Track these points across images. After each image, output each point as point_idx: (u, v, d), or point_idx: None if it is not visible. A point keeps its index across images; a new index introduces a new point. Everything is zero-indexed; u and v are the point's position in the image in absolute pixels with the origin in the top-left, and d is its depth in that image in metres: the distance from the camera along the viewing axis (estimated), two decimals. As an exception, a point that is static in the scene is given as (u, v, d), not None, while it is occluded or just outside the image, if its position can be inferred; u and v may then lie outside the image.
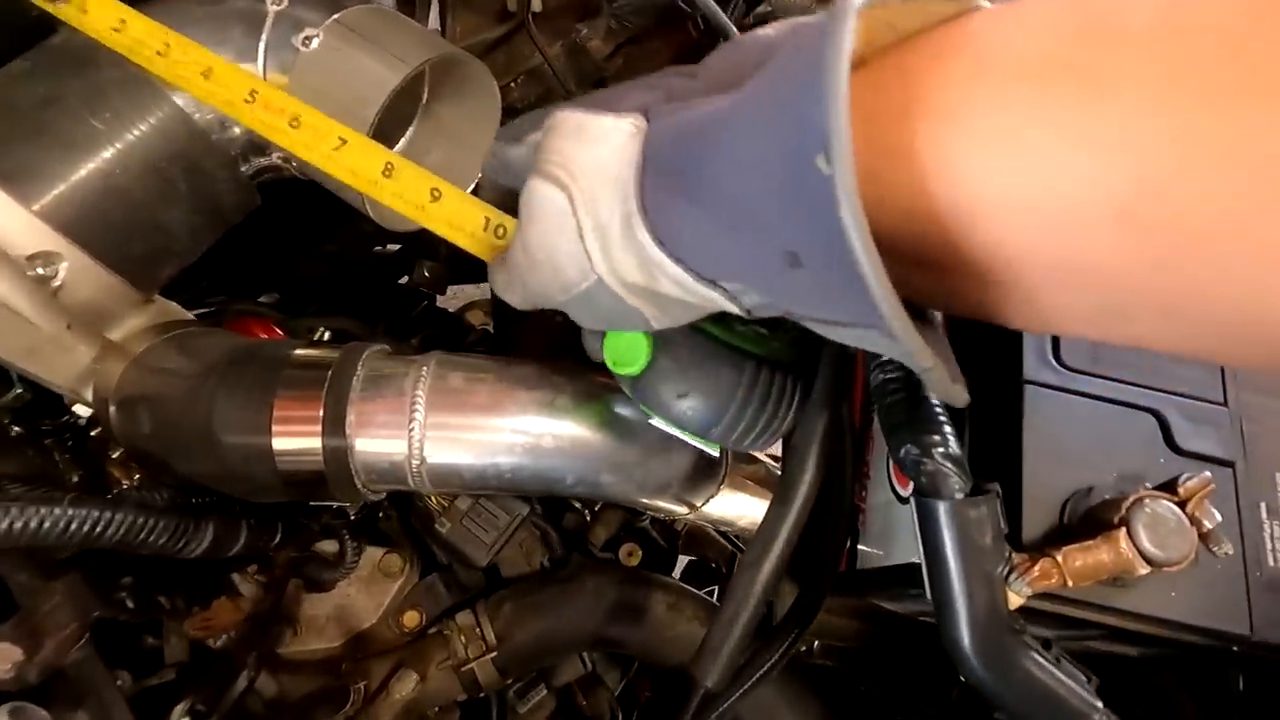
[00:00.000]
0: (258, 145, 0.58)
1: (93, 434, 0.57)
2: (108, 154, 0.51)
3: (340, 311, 1.08)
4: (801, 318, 0.29)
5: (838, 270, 0.23)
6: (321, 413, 0.45)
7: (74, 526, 0.38)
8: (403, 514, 0.62)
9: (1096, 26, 0.22)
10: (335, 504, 0.57)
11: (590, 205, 0.32)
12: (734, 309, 0.32)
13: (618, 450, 0.49)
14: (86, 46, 0.52)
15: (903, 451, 0.33)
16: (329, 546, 0.58)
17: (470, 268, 1.16)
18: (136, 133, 0.52)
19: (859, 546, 0.51)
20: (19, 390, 0.55)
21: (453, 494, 0.58)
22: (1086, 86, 0.21)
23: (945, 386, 0.26)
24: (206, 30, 0.54)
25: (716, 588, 0.80)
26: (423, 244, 1.15)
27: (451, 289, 1.27)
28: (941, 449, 0.32)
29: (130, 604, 0.41)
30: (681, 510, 0.60)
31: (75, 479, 0.55)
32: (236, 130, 0.56)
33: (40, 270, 0.49)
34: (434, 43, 0.56)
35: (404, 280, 1.24)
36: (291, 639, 0.55)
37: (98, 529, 0.39)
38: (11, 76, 0.51)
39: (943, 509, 0.31)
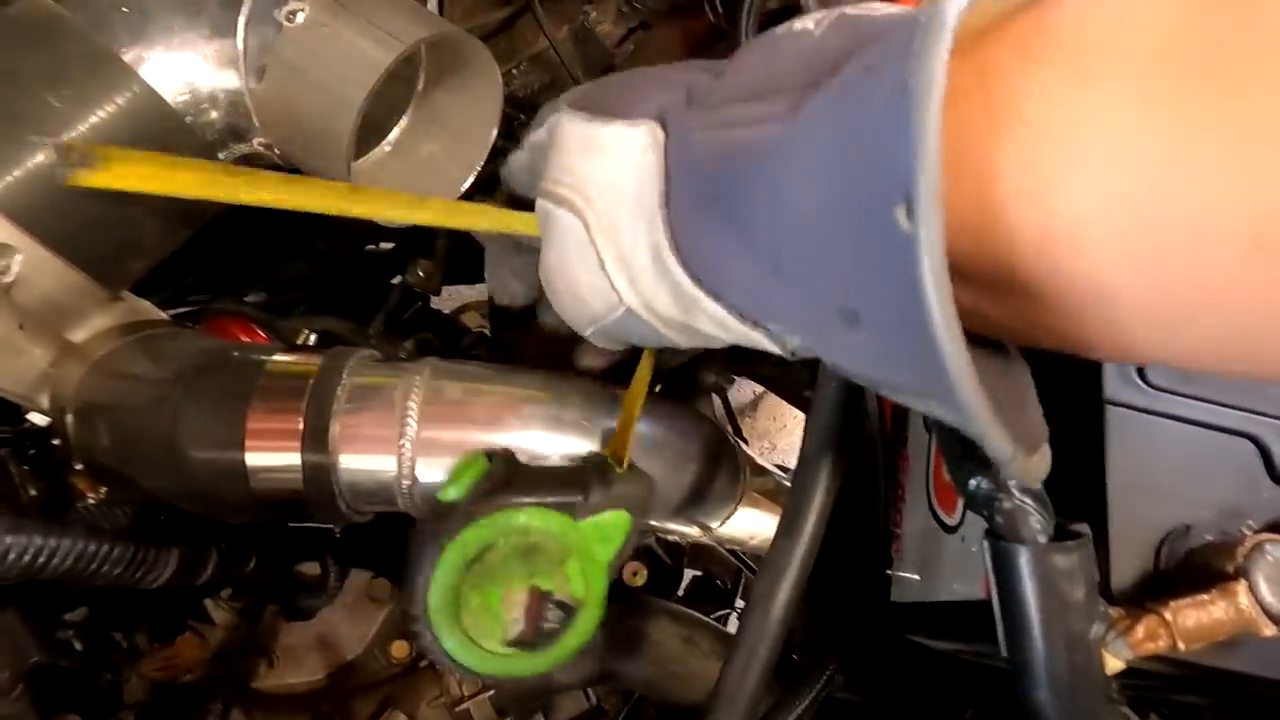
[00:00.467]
0: (237, 130, 0.53)
1: (55, 443, 0.52)
2: (70, 137, 0.46)
3: (329, 312, 1.03)
4: (853, 375, 0.25)
5: (906, 334, 0.19)
6: (301, 426, 0.40)
7: (12, 556, 0.33)
8: (389, 534, 0.57)
9: (1227, 17, 0.17)
10: (315, 525, 0.52)
11: (610, 233, 0.28)
12: (777, 350, 0.28)
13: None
14: (46, 17, 0.47)
15: (972, 485, 0.29)
16: (309, 569, 0.54)
17: (467, 268, 1.12)
18: (101, 114, 0.47)
19: (893, 575, 0.47)
20: (-25, 396, 0.50)
21: (412, 515, 0.53)
22: (1215, 91, 0.17)
23: (1022, 469, 0.22)
24: (181, 4, 0.49)
25: (733, 612, 0.75)
26: (417, 242, 1.11)
27: (447, 290, 1.23)
28: (1019, 484, 0.28)
29: (78, 645, 0.36)
30: (695, 532, 0.55)
31: (34, 493, 0.50)
32: (214, 114, 0.51)
33: (-11, 264, 0.44)
34: (431, 21, 0.52)
35: (396, 281, 1.19)
36: (267, 671, 0.50)
37: (40, 558, 0.34)
38: (-40, 48, 0.46)
39: (1024, 556, 0.27)
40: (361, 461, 0.41)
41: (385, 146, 0.65)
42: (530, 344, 0.95)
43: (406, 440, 0.41)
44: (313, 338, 0.74)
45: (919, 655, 0.48)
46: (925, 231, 0.17)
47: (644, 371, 0.42)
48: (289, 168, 0.58)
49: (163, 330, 0.50)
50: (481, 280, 1.37)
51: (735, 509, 0.54)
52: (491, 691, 0.48)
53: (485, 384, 0.44)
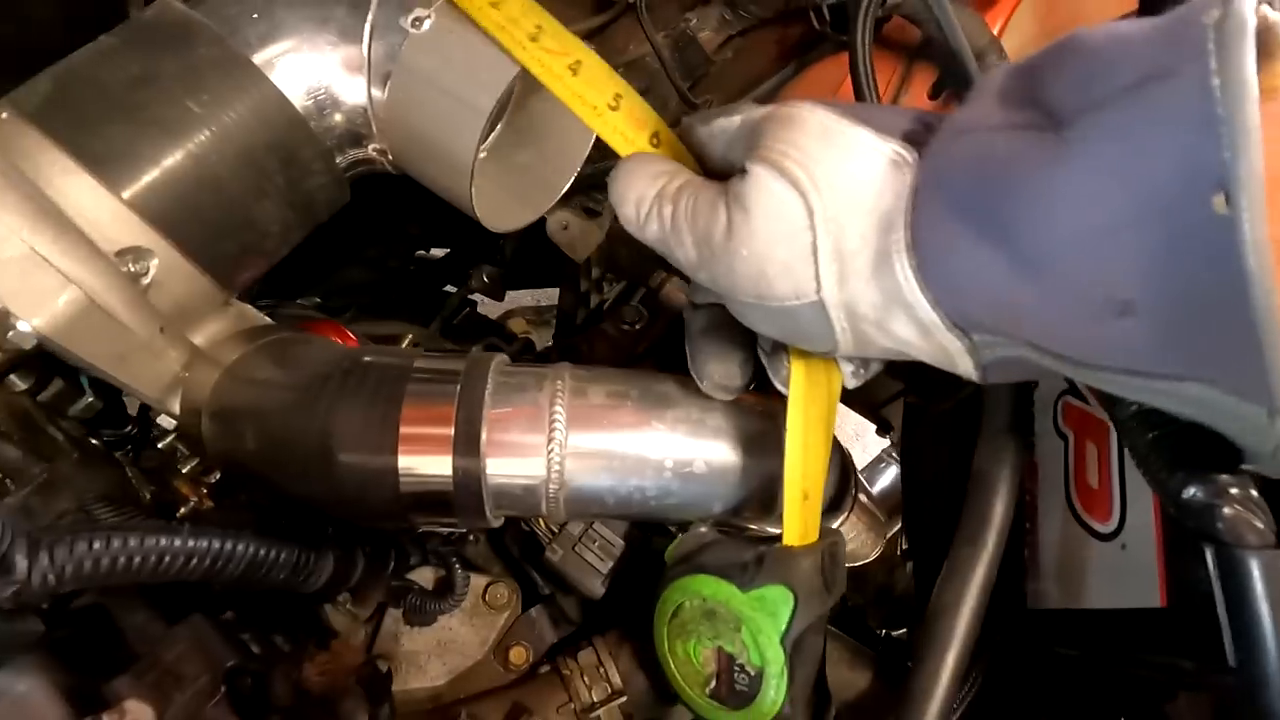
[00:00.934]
0: (355, 136, 0.53)
1: (160, 446, 0.52)
2: (203, 140, 0.46)
3: (380, 315, 1.03)
4: (1100, 366, 0.25)
5: (1201, 315, 0.20)
6: (453, 431, 0.40)
7: (195, 561, 0.33)
8: (501, 540, 0.57)
9: None
10: (446, 530, 0.52)
11: (834, 227, 0.28)
12: (960, 365, 0.29)
13: (769, 476, 0.44)
14: (182, 22, 0.47)
15: (1187, 494, 0.29)
16: (420, 575, 0.53)
17: (527, 273, 1.12)
18: (234, 117, 0.47)
19: (1026, 585, 0.47)
20: (90, 399, 0.50)
21: (550, 520, 0.53)
22: None
23: None
24: (308, 10, 0.50)
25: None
26: (480, 249, 1.11)
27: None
28: (1238, 490, 0.28)
29: (255, 648, 0.36)
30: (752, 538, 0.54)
31: (148, 497, 0.50)
32: (337, 117, 0.51)
33: (131, 267, 0.44)
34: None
35: (448, 288, 1.19)
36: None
37: (219, 563, 0.34)
38: (101, 53, 0.46)
39: (1256, 563, 0.27)
40: (510, 466, 0.41)
41: (481, 153, 0.65)
42: (599, 349, 0.95)
43: (555, 445, 0.41)
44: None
45: (1055, 663, 0.48)
46: (1248, 213, 0.19)
47: (795, 441, 0.40)
48: (398, 173, 0.58)
49: (288, 335, 0.50)
50: (540, 286, 1.37)
51: (846, 517, 0.54)
52: (624, 699, 0.48)
53: (626, 388, 0.44)
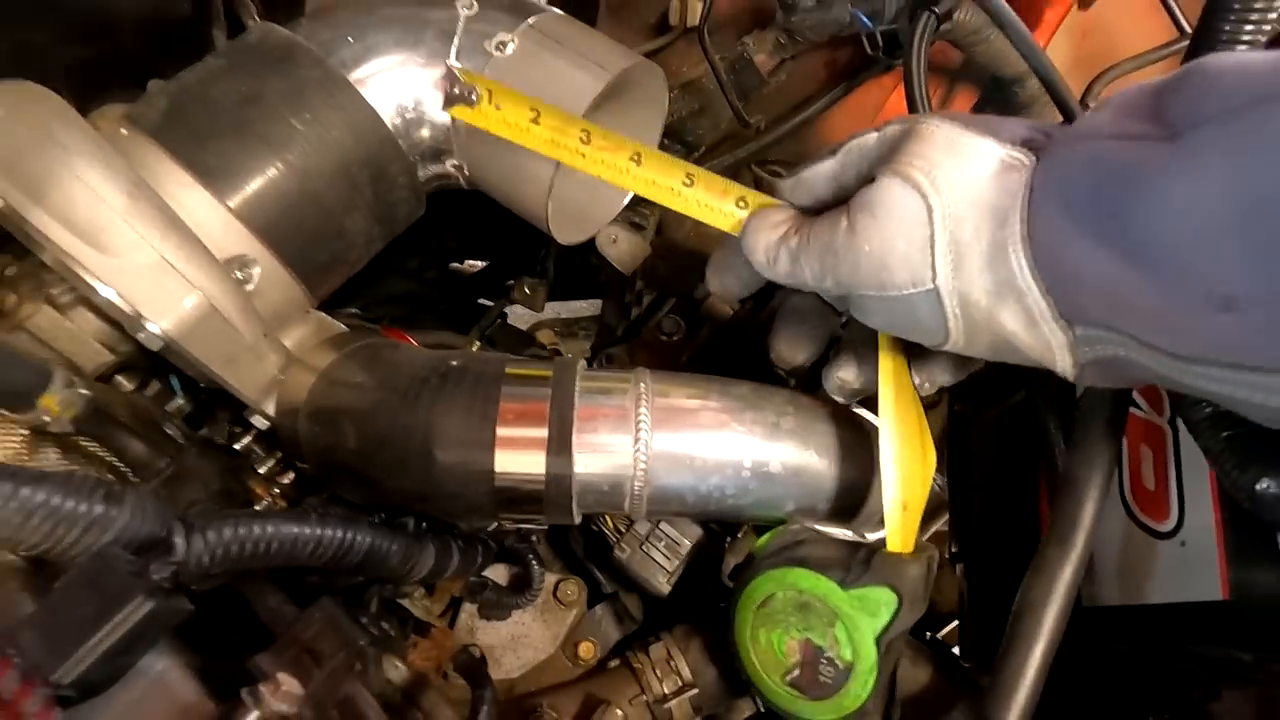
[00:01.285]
0: (437, 152, 0.56)
1: (237, 447, 0.54)
2: (305, 155, 0.49)
3: (415, 325, 1.06)
4: (1199, 359, 0.27)
5: None
6: (547, 431, 0.43)
7: (322, 547, 0.35)
8: (564, 539, 0.59)
9: None
10: (527, 526, 0.54)
11: (953, 222, 0.31)
12: (1059, 363, 0.32)
13: (840, 477, 0.47)
14: (285, 44, 0.50)
15: (1260, 487, 0.31)
16: (492, 572, 0.55)
17: (570, 286, 1.14)
18: (332, 134, 0.50)
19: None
20: (180, 400, 0.53)
21: (631, 517, 0.55)
22: None
23: None
24: (399, 34, 0.53)
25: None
26: (515, 262, 1.14)
27: (519, 307, 1.26)
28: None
29: (374, 631, 0.38)
30: (848, 537, 0.56)
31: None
32: (423, 133, 0.54)
33: (238, 274, 0.47)
34: (626, 51, 0.55)
35: (484, 300, 1.22)
36: (464, 669, 0.51)
37: (342, 550, 0.36)
38: (210, 73, 0.49)
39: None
40: (598, 465, 0.44)
41: (546, 166, 0.68)
42: (639, 359, 0.97)
43: (641, 445, 0.44)
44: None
45: (1106, 659, 0.50)
46: None
47: (918, 458, 0.43)
48: (471, 189, 0.61)
49: (376, 342, 0.52)
50: (581, 298, 1.40)
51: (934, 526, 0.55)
52: (695, 690, 0.50)
53: (704, 392, 0.46)
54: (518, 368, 0.46)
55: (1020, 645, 0.35)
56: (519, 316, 1.43)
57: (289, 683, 0.30)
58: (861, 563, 0.42)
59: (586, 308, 1.57)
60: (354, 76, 0.51)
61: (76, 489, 0.30)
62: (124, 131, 0.46)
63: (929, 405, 0.85)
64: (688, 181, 0.43)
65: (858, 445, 0.47)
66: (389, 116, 0.53)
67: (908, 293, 0.33)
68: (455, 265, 1.29)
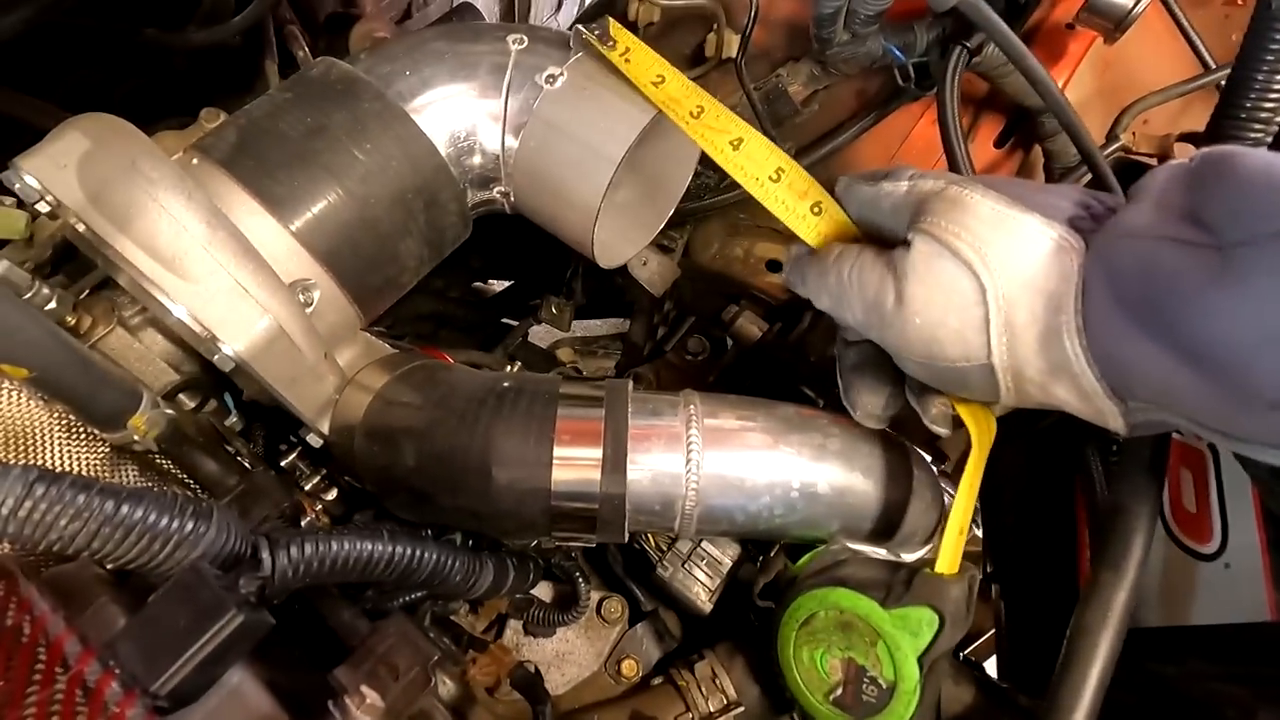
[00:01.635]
0: (485, 179, 0.58)
1: (283, 464, 0.55)
2: (365, 183, 0.51)
3: (441, 343, 1.08)
4: (1231, 437, 0.29)
5: None
6: (602, 450, 0.44)
7: (393, 563, 0.36)
8: (603, 557, 0.60)
9: None
10: (576, 544, 0.55)
11: (1006, 304, 0.32)
12: (1111, 424, 0.33)
13: (883, 498, 0.48)
14: (347, 78, 0.52)
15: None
16: (536, 590, 0.56)
17: (599, 305, 1.16)
18: (392, 163, 0.52)
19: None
20: (234, 418, 0.55)
21: (673, 536, 0.56)
22: None
23: None
24: (453, 67, 0.55)
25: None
26: (539, 282, 1.16)
27: (541, 328, 1.28)
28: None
29: (441, 648, 0.40)
30: (889, 559, 0.57)
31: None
32: (474, 160, 0.56)
33: (301, 296, 0.49)
34: (671, 84, 0.57)
35: (509, 320, 1.24)
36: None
37: (412, 566, 0.37)
38: (276, 106, 0.51)
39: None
40: (651, 484, 0.45)
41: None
42: (665, 379, 0.99)
43: (693, 465, 0.45)
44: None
45: (1147, 680, 0.50)
46: None
47: (972, 480, 0.43)
48: (514, 214, 0.63)
49: (429, 363, 0.54)
50: (609, 315, 1.42)
51: (934, 543, 0.56)
52: (740, 709, 0.51)
53: (753, 413, 0.48)
54: (571, 388, 0.47)
55: (1076, 669, 0.36)
56: (538, 336, 1.45)
57: (372, 695, 0.31)
58: (902, 583, 0.43)
59: (602, 327, 1.58)
60: (410, 107, 0.53)
61: (170, 506, 0.32)
62: (195, 161, 0.48)
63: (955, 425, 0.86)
64: (775, 176, 0.45)
65: (899, 467, 0.49)
66: (442, 145, 0.55)
67: (960, 365, 0.34)
68: (478, 285, 1.32)
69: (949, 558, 0.42)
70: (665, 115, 0.52)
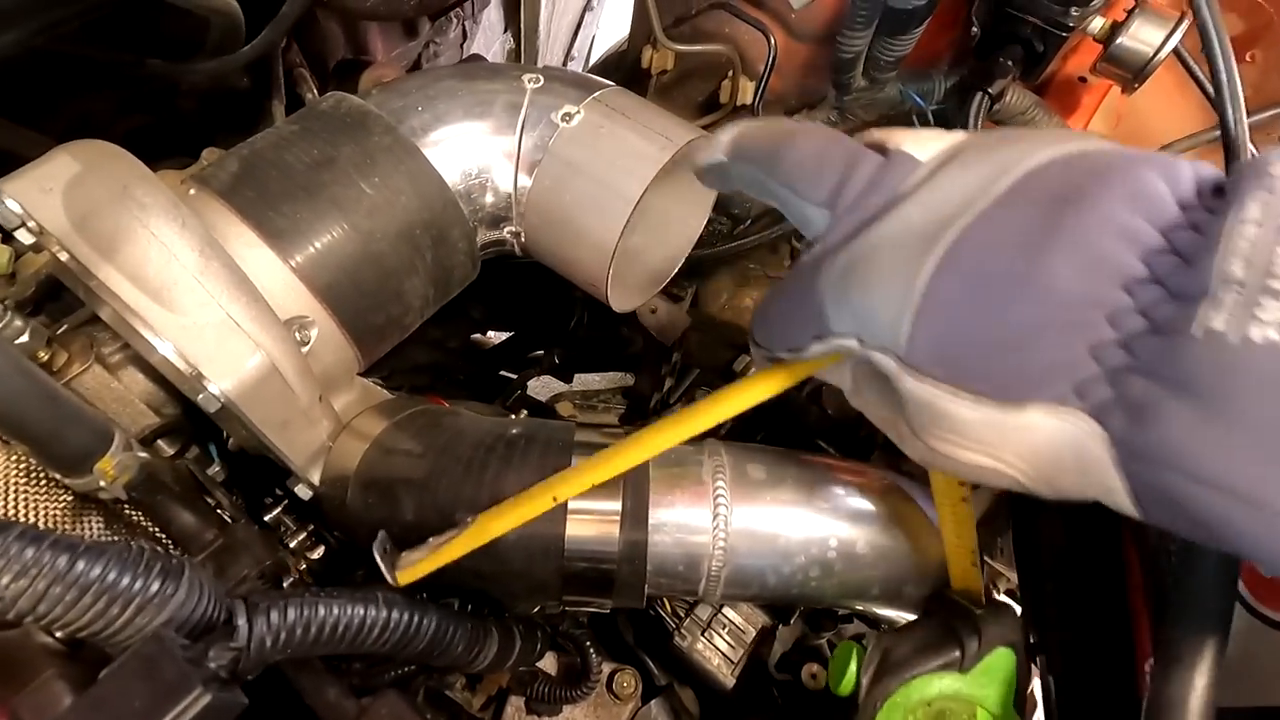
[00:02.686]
0: (496, 219, 0.56)
1: (266, 519, 0.51)
2: (371, 217, 0.48)
3: (439, 395, 1.04)
4: None
5: None
6: (621, 503, 0.40)
7: (389, 632, 0.32)
8: (612, 625, 0.55)
9: None
10: (587, 610, 0.50)
11: (1046, 482, 0.25)
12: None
13: (923, 557, 0.43)
14: (358, 111, 0.51)
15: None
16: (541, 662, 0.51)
17: (599, 358, 1.14)
18: (401, 198, 0.49)
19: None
20: (217, 466, 0.50)
21: (693, 601, 0.52)
22: None
23: None
24: (467, 104, 0.53)
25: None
26: (539, 334, 1.13)
27: (542, 380, 1.25)
28: None
29: (438, 728, 0.35)
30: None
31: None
32: (488, 199, 0.54)
33: (297, 334, 0.45)
34: (688, 125, 0.56)
35: (506, 372, 1.21)
36: (509, 771, 0.46)
37: (409, 635, 0.33)
38: (283, 138, 0.49)
39: None
40: (675, 542, 0.41)
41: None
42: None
43: (720, 520, 0.41)
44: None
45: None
46: None
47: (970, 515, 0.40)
48: (525, 259, 0.61)
49: (432, 408, 0.50)
50: (609, 369, 1.39)
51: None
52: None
53: (783, 465, 0.44)
54: (587, 435, 0.44)
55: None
56: (536, 389, 1.42)
57: (358, 791, 0.26)
58: (970, 637, 0.38)
59: (601, 381, 1.56)
60: (422, 143, 0.51)
61: (133, 563, 0.28)
62: (193, 192, 0.46)
63: (976, 484, 0.83)
64: None
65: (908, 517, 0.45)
66: (454, 182, 0.53)
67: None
68: (476, 336, 1.29)
69: (975, 580, 0.38)
70: (683, 154, 0.50)
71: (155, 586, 0.28)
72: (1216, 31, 0.42)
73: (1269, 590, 0.43)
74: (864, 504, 0.43)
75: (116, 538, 0.38)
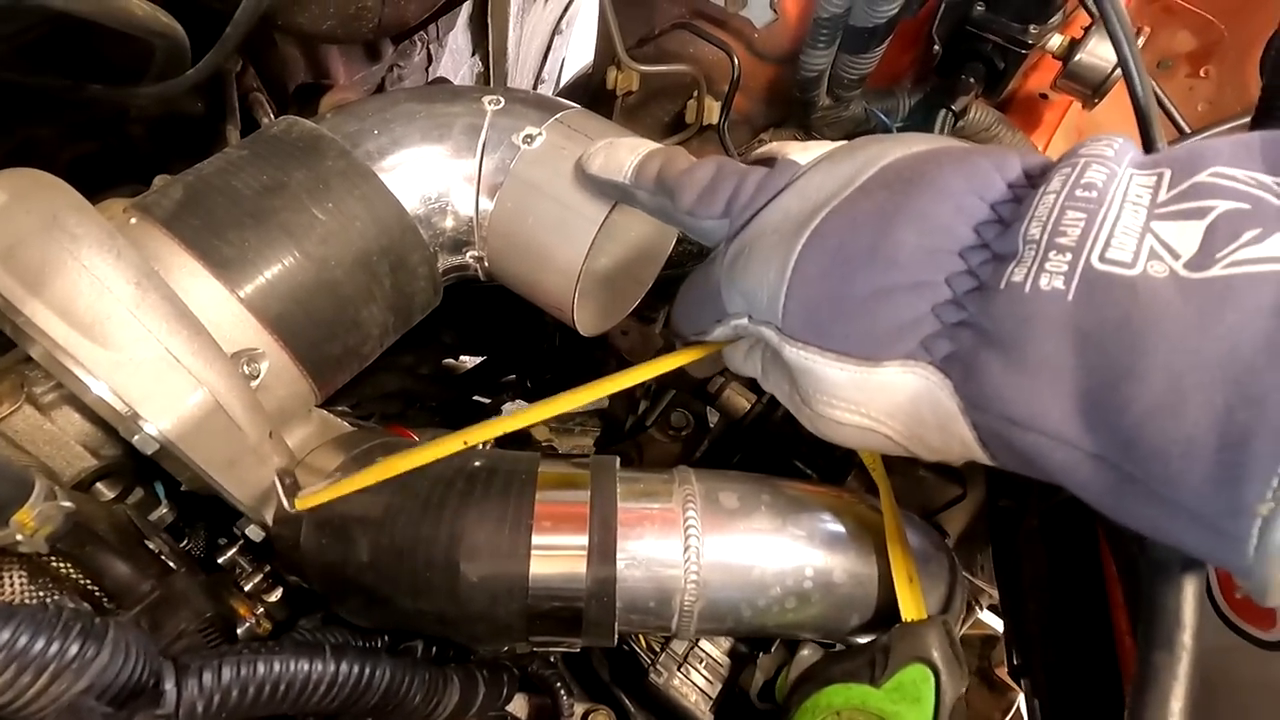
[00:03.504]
0: (458, 243, 0.54)
1: (220, 560, 0.48)
2: (325, 243, 0.46)
3: (409, 422, 1.02)
4: None
5: None
6: (588, 537, 0.38)
7: (338, 687, 0.30)
8: (586, 662, 0.53)
9: None
10: (556, 650, 0.48)
11: (915, 440, 0.29)
12: None
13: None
14: (311, 136, 0.49)
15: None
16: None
17: (573, 382, 1.12)
18: (356, 224, 0.48)
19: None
20: (164, 509, 0.48)
21: (667, 636, 0.50)
22: None
23: None
24: (425, 127, 0.52)
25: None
26: (511, 358, 1.11)
27: (513, 405, 1.23)
28: None
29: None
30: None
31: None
32: (448, 223, 0.53)
33: (245, 368, 0.43)
34: (654, 144, 0.55)
35: (478, 398, 1.19)
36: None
37: (360, 688, 0.30)
38: (231, 163, 0.47)
39: None
40: (646, 576, 0.39)
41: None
42: (649, 455, 0.93)
43: (692, 553, 0.39)
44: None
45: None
46: None
47: (894, 530, 0.41)
48: (489, 283, 0.59)
49: (391, 441, 0.48)
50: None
51: (961, 631, 0.51)
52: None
53: (756, 491, 0.43)
54: (552, 467, 0.42)
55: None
56: (511, 413, 1.38)
57: None
58: (882, 651, 0.38)
59: (578, 404, 1.53)
60: (378, 167, 0.50)
61: (49, 624, 0.25)
62: (133, 221, 0.43)
63: (954, 500, 0.82)
64: None
65: (926, 546, 0.43)
66: (413, 207, 0.51)
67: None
68: (449, 361, 1.27)
69: (911, 604, 0.37)
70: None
71: (74, 650, 0.25)
72: (1132, 54, 0.41)
73: (1247, 605, 0.42)
74: (839, 530, 0.42)
75: (41, 593, 0.35)
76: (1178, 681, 0.32)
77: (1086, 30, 0.59)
